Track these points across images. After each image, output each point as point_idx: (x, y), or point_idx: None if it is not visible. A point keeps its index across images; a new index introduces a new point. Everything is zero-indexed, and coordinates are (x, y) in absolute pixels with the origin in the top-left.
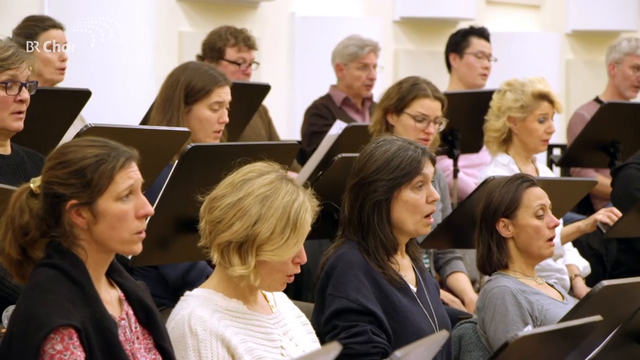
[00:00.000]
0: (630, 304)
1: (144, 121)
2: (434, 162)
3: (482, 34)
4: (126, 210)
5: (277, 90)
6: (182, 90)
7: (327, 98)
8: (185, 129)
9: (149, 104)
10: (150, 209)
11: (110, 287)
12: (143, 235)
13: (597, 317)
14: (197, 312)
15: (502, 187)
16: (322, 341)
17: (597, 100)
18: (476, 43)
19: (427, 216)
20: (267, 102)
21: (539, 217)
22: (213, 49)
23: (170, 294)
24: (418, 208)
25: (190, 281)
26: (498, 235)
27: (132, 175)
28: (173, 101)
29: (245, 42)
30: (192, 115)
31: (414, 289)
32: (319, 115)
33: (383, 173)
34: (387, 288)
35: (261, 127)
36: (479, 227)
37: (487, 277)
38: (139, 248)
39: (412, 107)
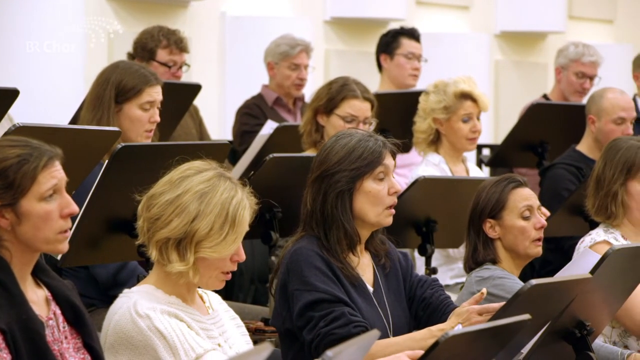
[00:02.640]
0: (558, 303)
1: (74, 120)
2: (394, 154)
3: (413, 34)
4: (50, 210)
5: (208, 89)
6: (113, 90)
7: (259, 97)
8: (116, 128)
9: (79, 103)
10: (75, 208)
11: (37, 287)
12: (68, 234)
13: (526, 316)
14: (142, 301)
15: (490, 188)
16: (299, 335)
17: (544, 97)
18: (406, 44)
19: (389, 207)
20: (198, 101)
21: (525, 218)
22: (144, 49)
23: (101, 294)
24: (380, 199)
25: (121, 281)
26: (485, 236)
27: (55, 174)
28: (103, 100)
29: (177, 44)
30: (122, 114)
31: (370, 288)
32: (250, 114)
33: (345, 164)
34: (344, 283)
35: (192, 127)
36: (467, 227)
37: (474, 273)
38: (65, 247)
39: (342, 108)
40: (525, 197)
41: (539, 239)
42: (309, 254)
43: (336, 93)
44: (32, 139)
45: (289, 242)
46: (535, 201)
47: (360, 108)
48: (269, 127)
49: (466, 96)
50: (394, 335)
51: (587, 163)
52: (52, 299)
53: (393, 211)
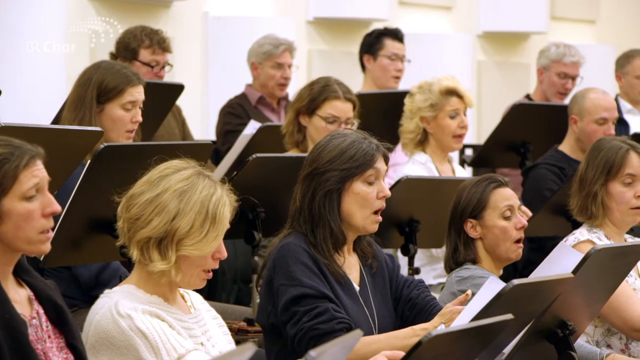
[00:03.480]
0: (540, 303)
1: (56, 120)
2: (386, 159)
3: (396, 35)
4: (32, 209)
5: (191, 89)
6: (95, 90)
7: (243, 97)
8: (98, 128)
9: (61, 103)
10: (58, 207)
11: (19, 287)
12: (50, 234)
13: (508, 316)
14: (123, 301)
15: (471, 187)
16: (283, 330)
17: (527, 97)
18: (390, 45)
19: (376, 212)
20: (180, 101)
21: (506, 218)
22: (127, 49)
23: (83, 295)
24: (368, 202)
25: (104, 281)
26: (466, 236)
27: (37, 173)
28: (85, 100)
29: (160, 44)
30: (104, 114)
31: (357, 287)
32: (233, 114)
33: (336, 163)
34: (330, 280)
35: (175, 127)
36: (448, 227)
37: (454, 273)
38: (46, 248)
39: (323, 109)
40: (506, 197)
41: (519, 240)
42: (296, 250)
43: (318, 94)
44: (14, 139)
45: (276, 239)
46: (516, 201)
47: (342, 109)
48: (252, 127)
49: (452, 92)
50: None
51: (569, 163)
52: (35, 298)
53: (380, 218)
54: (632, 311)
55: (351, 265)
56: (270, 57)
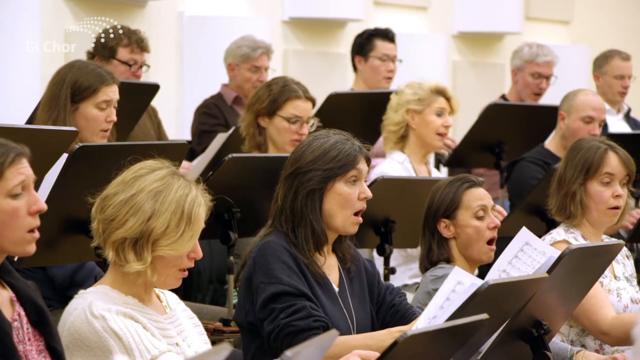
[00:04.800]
0: (515, 302)
1: (30, 120)
2: (368, 161)
3: (387, 35)
4: (18, 206)
5: (166, 89)
6: (69, 89)
7: (218, 97)
8: (73, 128)
9: (35, 103)
10: (43, 205)
11: (1, 288)
12: (37, 234)
13: (484, 316)
14: (97, 302)
15: (444, 187)
16: (261, 328)
17: (503, 98)
18: (380, 46)
19: (357, 214)
20: (155, 101)
21: (480, 218)
22: (105, 47)
23: (58, 295)
24: (349, 202)
25: (78, 282)
26: (440, 236)
27: (22, 171)
28: (59, 100)
29: (139, 43)
30: (79, 114)
31: (336, 288)
32: (209, 114)
33: (319, 163)
34: (310, 279)
35: (150, 128)
36: (422, 227)
37: (429, 272)
38: (32, 248)
39: (285, 109)
40: (479, 197)
41: (492, 240)
42: (276, 248)
43: (279, 94)
44: None
45: (256, 237)
46: (489, 201)
47: (304, 108)
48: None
49: (441, 92)
50: None
51: (554, 160)
52: (17, 300)
53: (360, 220)
54: (601, 314)
55: (331, 267)
56: (247, 59)
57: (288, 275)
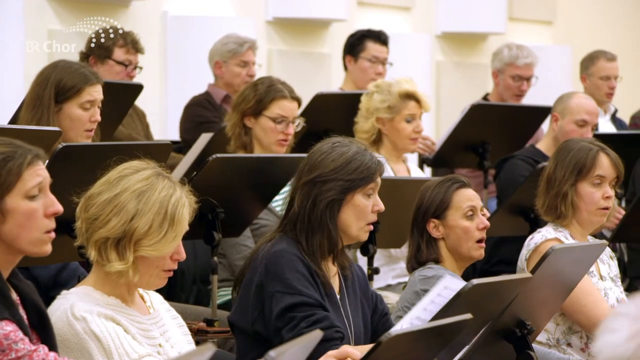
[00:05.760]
0: (499, 302)
1: (13, 120)
2: (381, 174)
3: (379, 37)
4: (35, 208)
5: (150, 89)
6: (52, 89)
7: (207, 95)
8: (56, 128)
9: (18, 103)
10: (60, 207)
11: (10, 290)
12: (53, 235)
13: (467, 316)
14: (79, 303)
15: (434, 188)
16: (275, 336)
17: (486, 98)
18: (371, 47)
19: (369, 224)
20: (139, 101)
21: (469, 218)
22: (101, 47)
23: (42, 296)
24: (365, 214)
25: (62, 282)
26: (429, 236)
27: (40, 172)
28: (43, 100)
29: (134, 44)
30: (62, 114)
31: (337, 296)
32: (203, 107)
33: (341, 173)
34: (321, 289)
35: (140, 130)
36: (411, 227)
37: (417, 272)
38: (49, 248)
39: (271, 109)
40: (469, 197)
41: (481, 240)
42: (291, 258)
43: (264, 94)
44: (14, 139)
45: (263, 240)
46: (478, 202)
47: (290, 108)
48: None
49: (410, 96)
50: (355, 343)
51: (544, 160)
52: (20, 302)
53: (371, 227)
54: (598, 309)
55: (332, 274)
56: (235, 55)
57: (305, 287)
